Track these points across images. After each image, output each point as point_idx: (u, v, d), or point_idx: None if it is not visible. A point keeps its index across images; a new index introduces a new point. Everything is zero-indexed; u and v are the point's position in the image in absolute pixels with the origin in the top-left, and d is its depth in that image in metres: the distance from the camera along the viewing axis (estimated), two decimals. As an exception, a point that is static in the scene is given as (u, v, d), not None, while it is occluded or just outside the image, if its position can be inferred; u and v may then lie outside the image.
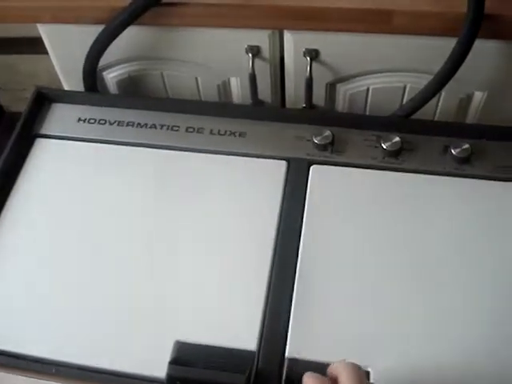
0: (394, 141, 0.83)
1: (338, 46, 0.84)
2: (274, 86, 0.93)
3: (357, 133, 0.85)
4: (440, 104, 0.92)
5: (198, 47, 0.87)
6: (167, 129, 0.87)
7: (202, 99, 0.97)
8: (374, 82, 0.89)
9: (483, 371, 0.67)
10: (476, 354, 0.68)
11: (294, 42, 0.84)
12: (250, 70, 0.87)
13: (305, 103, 0.93)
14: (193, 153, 0.85)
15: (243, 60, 0.87)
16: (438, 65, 0.84)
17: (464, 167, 0.82)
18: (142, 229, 0.78)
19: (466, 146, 0.82)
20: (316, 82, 0.88)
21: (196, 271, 0.74)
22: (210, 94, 0.95)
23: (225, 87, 0.94)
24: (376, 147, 0.84)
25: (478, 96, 0.90)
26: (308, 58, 0.85)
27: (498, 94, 0.89)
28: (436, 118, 0.95)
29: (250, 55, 0.86)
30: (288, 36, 0.84)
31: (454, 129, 0.85)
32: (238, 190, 0.81)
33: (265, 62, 0.88)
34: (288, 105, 0.96)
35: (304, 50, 0.85)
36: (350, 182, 0.82)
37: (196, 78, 0.93)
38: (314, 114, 0.88)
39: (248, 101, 0.94)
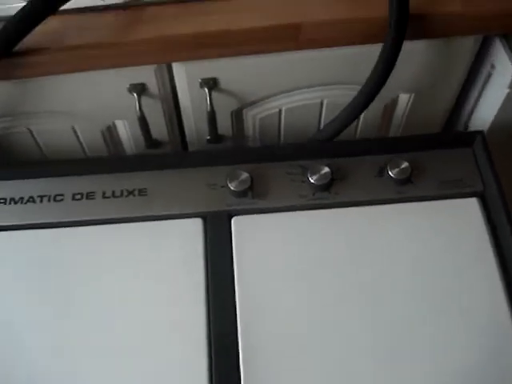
0: (323, 172, 0.71)
1: (239, 71, 0.69)
2: (169, 124, 0.77)
3: (277, 166, 0.73)
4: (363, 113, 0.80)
5: (68, 94, 0.70)
6: (48, 200, 0.70)
7: (86, 151, 0.80)
8: (286, 103, 0.76)
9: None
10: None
11: (186, 74, 0.69)
12: (137, 112, 0.71)
13: (209, 136, 0.78)
14: (86, 226, 0.69)
15: (127, 101, 0.71)
16: (356, 74, 0.73)
17: (406, 189, 0.72)
18: (45, 321, 0.64)
19: (405, 164, 0.71)
20: (219, 111, 0.74)
21: (125, 359, 0.62)
22: (94, 143, 0.78)
23: (111, 133, 0.78)
24: (303, 182, 0.72)
25: (404, 99, 0.79)
26: (206, 89, 0.70)
27: (425, 95, 0.78)
28: (359, 128, 0.83)
29: (135, 95, 0.70)
30: (178, 68, 0.69)
31: (386, 145, 0.74)
32: (151, 263, 0.67)
33: (154, 99, 0.72)
34: (190, 140, 0.81)
35: (200, 80, 0.70)
36: (280, 229, 0.70)
37: (73, 128, 0.76)
38: (223, 154, 0.74)
39: (142, 144, 0.78)
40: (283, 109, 0.77)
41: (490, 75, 0.77)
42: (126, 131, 0.78)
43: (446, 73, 0.75)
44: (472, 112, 0.83)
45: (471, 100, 0.82)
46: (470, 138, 0.74)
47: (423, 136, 0.75)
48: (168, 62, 0.68)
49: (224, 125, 0.78)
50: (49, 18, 0.61)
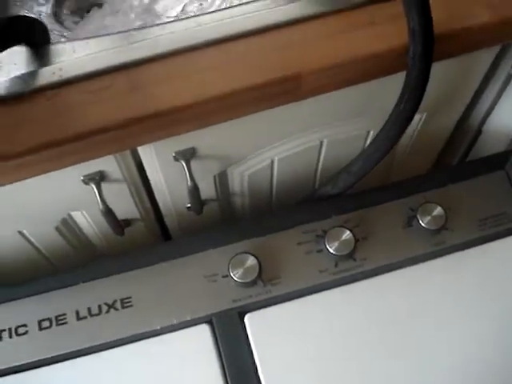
0: (344, 238, 0.57)
1: (222, 133, 0.54)
2: (139, 203, 0.62)
3: (285, 237, 0.59)
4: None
5: (7, 198, 0.54)
6: (10, 336, 0.55)
7: (43, 251, 0.64)
8: (279, 152, 0.62)
9: None
10: None
11: (155, 152, 0.53)
12: (99, 204, 0.55)
13: (190, 205, 0.64)
14: (66, 362, 0.54)
15: (84, 192, 0.55)
16: (362, 108, 0.59)
17: (442, 238, 0.59)
18: None
19: (437, 210, 0.58)
20: (200, 179, 0.59)
21: None
22: (49, 240, 0.62)
23: (67, 225, 0.62)
24: (319, 252, 0.58)
25: (415, 120, 0.65)
26: (183, 162, 0.55)
27: (437, 111, 0.65)
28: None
29: (93, 186, 0.54)
30: (145, 148, 0.53)
31: (409, 186, 0.61)
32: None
33: (117, 183, 0.57)
34: (165, 212, 0.66)
35: (174, 154, 0.54)
36: (304, 318, 0.57)
37: (21, 232, 0.60)
38: (217, 233, 0.59)
39: (108, 228, 0.62)
40: (275, 159, 0.63)
41: (510, 76, 0.64)
42: (87, 220, 0.62)
43: (461, 85, 0.63)
44: (487, 116, 0.71)
45: (486, 104, 0.69)
46: (500, 160, 0.63)
47: (447, 169, 0.63)
48: (129, 149, 0.52)
49: (206, 189, 0.63)
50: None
